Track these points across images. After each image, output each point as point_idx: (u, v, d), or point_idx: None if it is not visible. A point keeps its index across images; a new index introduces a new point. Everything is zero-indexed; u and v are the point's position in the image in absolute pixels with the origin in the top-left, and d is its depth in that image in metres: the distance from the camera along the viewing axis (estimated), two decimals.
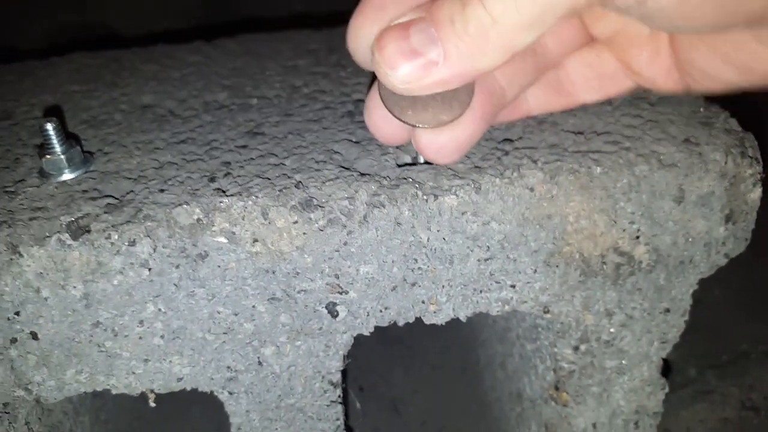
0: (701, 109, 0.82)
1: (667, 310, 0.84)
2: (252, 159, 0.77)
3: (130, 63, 1.09)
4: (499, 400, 1.16)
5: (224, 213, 0.69)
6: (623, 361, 0.87)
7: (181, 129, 0.85)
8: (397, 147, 0.77)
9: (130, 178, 0.75)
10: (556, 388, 0.88)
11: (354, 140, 0.81)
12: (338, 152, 0.78)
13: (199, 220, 0.69)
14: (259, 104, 0.93)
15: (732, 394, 1.44)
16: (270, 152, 0.79)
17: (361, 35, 0.65)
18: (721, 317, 1.56)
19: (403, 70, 0.61)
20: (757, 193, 0.78)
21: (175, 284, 0.71)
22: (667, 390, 0.92)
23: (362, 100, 0.88)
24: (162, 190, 0.72)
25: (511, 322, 1.05)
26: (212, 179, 0.73)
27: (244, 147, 0.80)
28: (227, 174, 0.74)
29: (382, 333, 1.45)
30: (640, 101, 0.85)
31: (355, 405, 1.06)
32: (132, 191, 0.73)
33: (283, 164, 0.76)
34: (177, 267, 0.70)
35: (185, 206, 0.69)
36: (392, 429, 1.22)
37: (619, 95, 0.80)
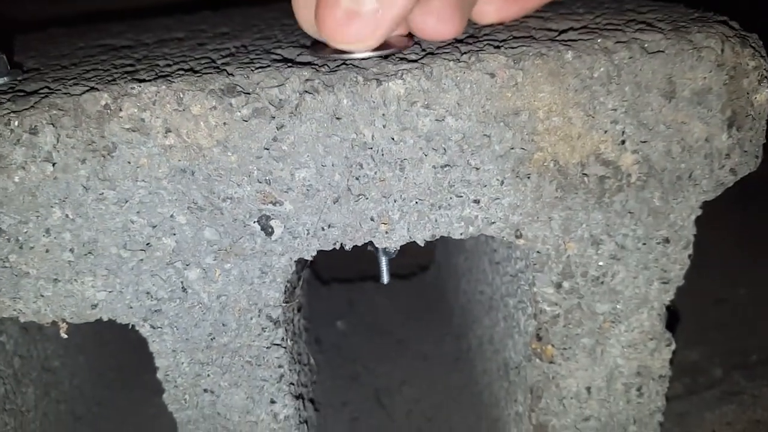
0: (696, 14, 0.71)
1: (666, 241, 0.71)
2: (183, 60, 0.68)
3: (104, 28, 1.03)
4: (490, 383, 1.02)
5: (133, 98, 0.60)
6: (617, 306, 0.73)
7: (125, 53, 0.77)
8: None
9: (49, 80, 0.66)
10: (538, 338, 0.75)
11: (299, 45, 0.71)
12: (279, 53, 0.68)
13: (106, 106, 0.60)
14: (212, 34, 0.85)
15: (764, 395, 1.27)
16: (205, 56, 0.70)
17: (304, 16, 0.64)
18: (748, 316, 1.41)
19: (350, 36, 0.60)
20: (764, 95, 0.67)
21: (82, 185, 0.62)
22: (673, 347, 0.78)
23: None
24: (76, 84, 0.63)
25: (495, 282, 0.92)
26: (133, 72, 0.65)
27: (181, 56, 0.71)
28: (150, 68, 0.65)
29: (369, 325, 1.34)
30: (628, 11, 0.74)
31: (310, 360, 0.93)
32: (46, 87, 0.64)
33: (214, 61, 0.67)
34: (83, 162, 0.61)
35: (93, 92, 0.60)
36: (373, 420, 1.08)
37: None
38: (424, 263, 1.51)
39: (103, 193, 0.63)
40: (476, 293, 1.07)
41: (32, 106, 0.61)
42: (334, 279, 1.47)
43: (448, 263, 1.31)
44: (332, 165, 0.63)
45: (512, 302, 0.84)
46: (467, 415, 1.06)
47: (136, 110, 0.60)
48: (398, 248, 0.75)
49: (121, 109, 0.60)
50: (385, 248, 0.72)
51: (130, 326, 0.69)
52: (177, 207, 0.64)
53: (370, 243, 0.69)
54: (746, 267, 1.52)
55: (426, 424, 1.07)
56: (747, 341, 1.34)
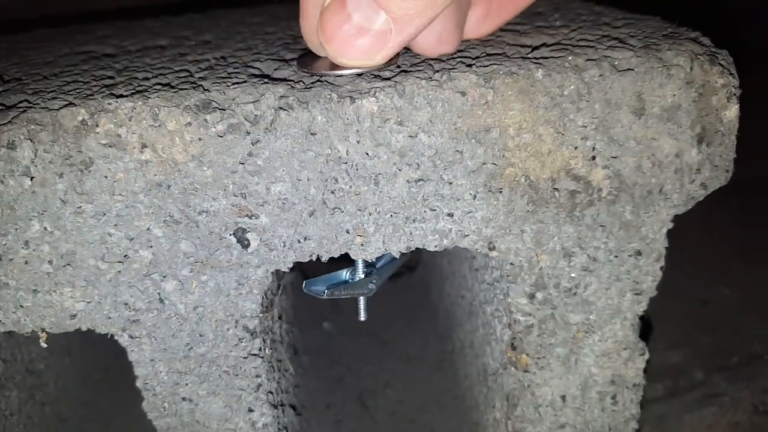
0: (669, 29, 0.72)
1: (639, 253, 0.72)
2: (162, 72, 0.70)
3: (91, 30, 1.04)
4: (471, 387, 1.04)
5: (110, 114, 0.61)
6: (590, 316, 0.75)
7: (106, 63, 0.78)
8: None
9: (29, 92, 0.68)
10: (513, 347, 0.76)
11: (278, 58, 0.73)
12: (257, 67, 0.70)
13: (83, 121, 0.61)
14: (195, 42, 0.86)
15: (743, 398, 1.29)
16: (184, 68, 0.71)
17: (309, 28, 0.64)
18: (730, 317, 1.43)
19: (357, 53, 0.61)
20: (733, 111, 0.68)
21: (60, 198, 0.63)
22: (647, 356, 0.80)
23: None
24: (55, 98, 0.65)
25: (475, 288, 0.93)
26: (111, 86, 0.66)
27: (161, 67, 0.73)
28: (128, 82, 0.67)
29: (355, 327, 1.35)
30: (604, 26, 0.75)
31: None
32: (26, 101, 0.66)
33: (192, 74, 0.68)
34: (61, 176, 0.62)
35: (71, 108, 0.61)
36: (357, 422, 1.10)
37: None
38: (412, 264, 1.53)
39: (80, 207, 0.64)
40: (458, 297, 1.09)
41: (10, 121, 0.62)
42: None
43: (434, 265, 1.33)
44: (307, 179, 0.65)
45: (489, 310, 0.86)
46: (449, 418, 1.08)
47: (112, 126, 0.61)
48: (375, 289, 0.77)
49: (97, 125, 0.62)
50: (363, 291, 0.76)
51: (109, 336, 0.71)
52: (153, 220, 0.65)
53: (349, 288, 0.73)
54: (730, 268, 1.54)
55: (409, 426, 1.09)
56: (729, 343, 1.36)
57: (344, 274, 0.78)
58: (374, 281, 0.77)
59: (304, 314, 1.32)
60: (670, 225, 0.73)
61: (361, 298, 0.80)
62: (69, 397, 1.12)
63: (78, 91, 0.67)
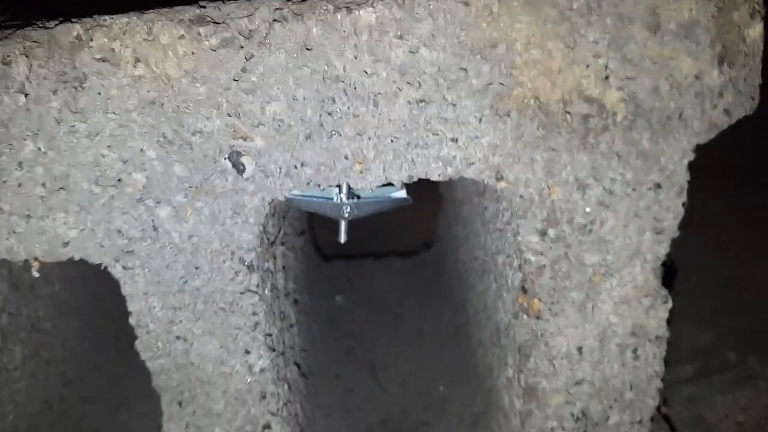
0: None
1: (658, 186, 0.69)
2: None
3: None
4: (484, 354, 1.00)
5: (105, 29, 0.60)
6: (608, 257, 0.71)
7: None
8: None
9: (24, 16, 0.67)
10: (524, 290, 0.73)
11: None
12: None
13: (78, 36, 0.61)
14: None
15: None
16: None
17: None
18: (764, 298, 1.35)
19: None
20: (757, 30, 0.64)
21: (54, 117, 0.62)
22: (670, 305, 0.75)
23: None
24: (51, 18, 0.64)
25: (487, 242, 0.90)
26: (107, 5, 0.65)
27: None
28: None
29: (368, 300, 1.32)
30: None
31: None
32: (21, 20, 0.65)
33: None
34: (55, 93, 0.61)
35: (66, 24, 0.60)
36: (366, 391, 1.06)
37: None
38: (429, 241, 1.49)
39: (74, 126, 0.63)
40: (471, 260, 1.05)
41: (6, 37, 0.61)
42: (336, 255, 1.46)
43: (449, 235, 1.30)
44: (303, 99, 0.63)
45: (501, 259, 0.82)
46: (462, 388, 1.04)
47: (106, 40, 0.60)
48: (348, 215, 0.75)
49: (92, 39, 0.60)
50: (337, 213, 0.73)
51: (102, 267, 0.69)
52: (147, 141, 0.64)
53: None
54: (764, 246, 1.47)
55: (419, 397, 1.05)
56: (764, 324, 1.29)
57: (330, 193, 0.76)
58: (350, 208, 0.74)
59: (316, 287, 1.29)
60: (692, 156, 0.69)
61: (342, 221, 0.78)
62: (76, 359, 1.10)
63: (74, 12, 0.66)
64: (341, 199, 0.74)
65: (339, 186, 0.73)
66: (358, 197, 0.75)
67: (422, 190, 0.82)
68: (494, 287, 0.89)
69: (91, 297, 1.16)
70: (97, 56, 0.61)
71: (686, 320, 1.34)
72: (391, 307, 1.28)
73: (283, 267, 0.87)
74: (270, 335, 0.75)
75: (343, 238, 0.80)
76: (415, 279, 1.36)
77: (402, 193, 0.77)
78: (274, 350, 0.76)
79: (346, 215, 0.75)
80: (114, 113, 0.63)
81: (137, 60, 0.61)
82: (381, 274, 1.38)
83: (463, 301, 1.15)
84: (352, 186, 0.68)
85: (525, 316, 0.76)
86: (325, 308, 1.28)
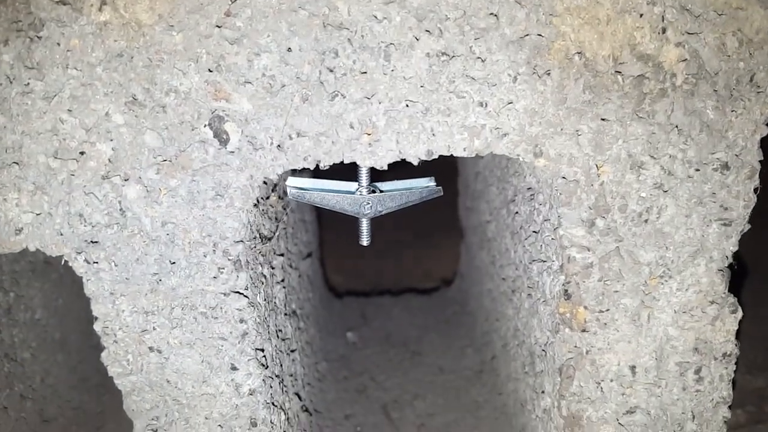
0: None
1: (725, 167, 0.54)
2: None
3: None
4: (515, 390, 0.83)
5: None
6: (667, 254, 0.56)
7: None
8: None
9: None
10: (567, 296, 0.57)
11: None
12: None
13: None
14: None
15: None
16: None
17: None
18: None
19: None
20: None
21: (6, 74, 0.50)
22: (740, 315, 0.59)
23: None
24: None
25: (518, 253, 0.75)
26: None
27: None
28: None
29: (383, 337, 1.16)
30: None
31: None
32: None
33: None
34: (6, 44, 0.49)
35: None
36: None
37: None
38: (448, 278, 1.34)
39: (29, 84, 0.51)
40: (499, 284, 0.90)
41: None
42: (348, 292, 1.31)
43: (471, 267, 1.14)
44: (299, 50, 0.50)
45: (536, 267, 0.67)
46: (488, 430, 0.87)
47: None
48: (371, 211, 0.60)
49: None
50: (356, 210, 0.59)
51: (63, 261, 0.55)
52: (113, 102, 0.51)
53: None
54: None
55: None
56: None
57: (347, 186, 0.61)
58: (372, 203, 0.59)
59: (326, 322, 1.14)
60: (765, 130, 0.55)
61: (364, 220, 0.62)
62: (58, 397, 0.95)
63: None
64: (361, 192, 0.60)
65: (358, 178, 0.60)
66: (381, 191, 0.61)
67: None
68: (527, 305, 0.73)
69: (78, 329, 1.01)
70: None
71: (738, 346, 1.16)
72: (408, 344, 1.11)
73: (283, 281, 0.73)
74: (261, 350, 0.60)
75: (365, 240, 0.65)
76: (435, 316, 1.20)
77: (430, 182, 0.63)
78: (266, 368, 0.61)
79: (368, 211, 0.61)
80: (75, 69, 0.50)
81: (103, 2, 0.49)
82: (397, 311, 1.23)
83: (490, 335, 0.99)
84: (360, 163, 0.54)
85: (567, 330, 0.60)
86: (336, 345, 1.12)
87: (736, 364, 0.62)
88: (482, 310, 1.06)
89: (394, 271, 1.52)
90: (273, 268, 0.69)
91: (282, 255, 0.74)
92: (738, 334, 0.61)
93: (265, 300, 0.63)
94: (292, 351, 0.76)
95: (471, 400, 0.96)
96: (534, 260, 0.68)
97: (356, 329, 1.17)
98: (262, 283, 0.63)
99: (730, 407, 0.63)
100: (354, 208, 0.60)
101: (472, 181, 1.08)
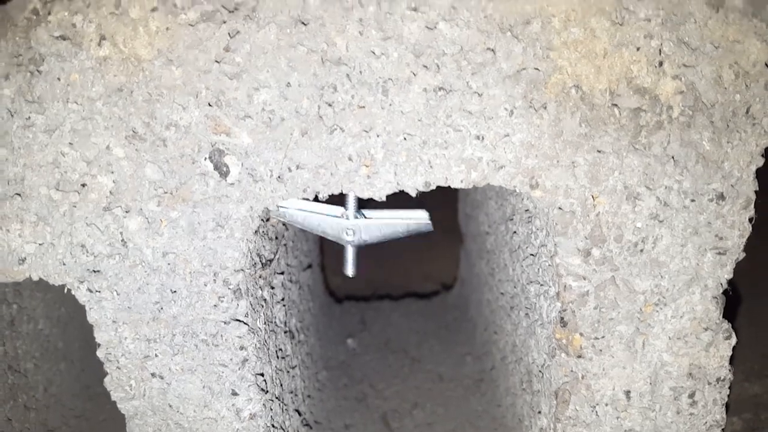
0: None
1: (721, 197, 0.54)
2: None
3: None
4: (513, 404, 0.83)
5: (65, 1, 0.48)
6: (662, 282, 0.56)
7: None
8: None
9: None
10: (563, 323, 0.57)
11: None
12: None
13: (35, 11, 0.48)
14: None
15: None
16: None
17: None
18: None
19: None
20: None
21: (7, 108, 0.50)
22: (733, 341, 0.59)
23: None
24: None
25: (516, 272, 0.75)
26: None
27: None
28: None
29: (382, 344, 1.17)
30: None
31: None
32: None
33: None
34: (7, 78, 0.49)
35: None
36: None
37: None
38: (448, 283, 1.34)
39: (30, 118, 0.50)
40: (498, 297, 0.90)
41: None
42: (348, 297, 1.31)
43: (471, 274, 1.14)
44: (299, 85, 0.50)
45: (533, 289, 0.67)
46: None
47: (66, 14, 0.48)
48: (354, 239, 0.59)
49: (50, 13, 0.48)
50: (339, 235, 0.58)
51: (66, 290, 0.55)
52: (114, 136, 0.51)
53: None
54: None
55: None
56: None
57: (333, 210, 0.60)
58: (355, 230, 0.58)
59: (325, 329, 1.14)
60: (761, 160, 0.54)
61: (349, 248, 0.61)
62: (61, 406, 0.95)
63: None
64: (346, 216, 0.60)
65: (345, 203, 0.59)
66: (365, 218, 0.60)
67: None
68: (525, 324, 0.73)
69: (80, 338, 1.01)
70: (56, 33, 0.48)
71: (733, 370, 1.17)
72: (408, 350, 1.12)
73: (283, 299, 0.73)
74: (261, 375, 0.60)
75: (350, 270, 0.63)
76: (435, 322, 1.20)
77: (422, 216, 0.62)
78: (266, 392, 0.61)
79: (350, 237, 0.60)
80: (76, 103, 0.50)
81: (102, 38, 0.49)
82: (397, 316, 1.23)
83: (489, 345, 0.99)
84: (359, 195, 0.54)
85: (563, 355, 0.60)
86: (336, 353, 1.12)
87: (731, 381, 0.62)
88: (482, 319, 1.06)
89: (393, 272, 1.52)
90: (273, 288, 0.69)
91: (282, 273, 0.74)
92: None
93: (265, 323, 0.64)
94: (293, 368, 0.77)
95: (471, 410, 0.96)
96: (531, 281, 0.68)
97: (356, 335, 1.18)
98: (262, 307, 0.63)
99: (723, 430, 0.63)
100: (335, 232, 0.59)
101: (471, 189, 1.08)
